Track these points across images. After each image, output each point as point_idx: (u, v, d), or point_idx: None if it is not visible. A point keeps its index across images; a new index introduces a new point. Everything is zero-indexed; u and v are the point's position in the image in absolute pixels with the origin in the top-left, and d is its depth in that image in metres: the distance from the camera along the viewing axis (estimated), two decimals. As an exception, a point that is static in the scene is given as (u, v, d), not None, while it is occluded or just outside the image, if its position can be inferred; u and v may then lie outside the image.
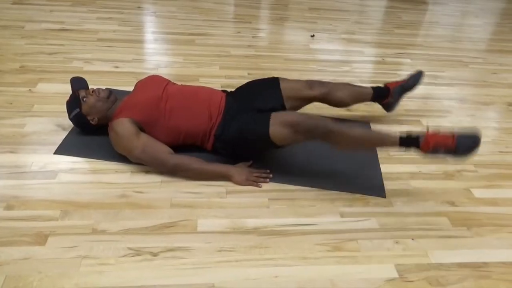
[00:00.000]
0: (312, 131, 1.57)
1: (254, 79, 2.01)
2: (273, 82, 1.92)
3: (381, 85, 2.14)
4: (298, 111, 1.94)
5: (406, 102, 2.50)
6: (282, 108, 1.89)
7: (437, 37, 3.79)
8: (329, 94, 1.96)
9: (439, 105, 2.52)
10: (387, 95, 2.12)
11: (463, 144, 1.45)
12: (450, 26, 4.21)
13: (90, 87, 1.87)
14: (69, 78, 2.35)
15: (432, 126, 1.52)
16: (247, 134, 1.67)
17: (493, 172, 1.94)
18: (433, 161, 1.97)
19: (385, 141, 1.58)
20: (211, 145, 1.77)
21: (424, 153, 1.53)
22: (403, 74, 2.92)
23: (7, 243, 1.33)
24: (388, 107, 2.18)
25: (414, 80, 2.13)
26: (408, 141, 1.55)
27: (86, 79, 2.01)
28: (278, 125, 1.60)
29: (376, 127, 2.19)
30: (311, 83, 1.95)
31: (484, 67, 3.19)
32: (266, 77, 2.01)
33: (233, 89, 2.04)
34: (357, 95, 2.06)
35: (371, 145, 1.63)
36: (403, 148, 1.56)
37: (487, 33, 4.13)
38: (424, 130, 1.56)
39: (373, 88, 2.10)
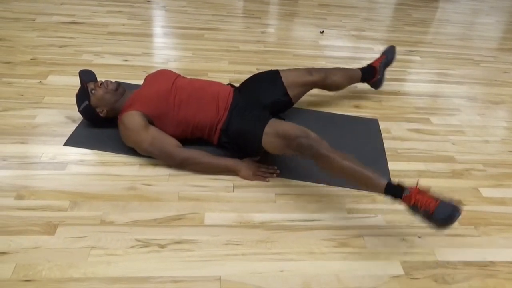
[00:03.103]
0: (302, 150, 1.50)
1: (256, 73, 2.07)
2: (274, 74, 2.01)
3: (365, 65, 2.34)
4: (301, 98, 2.11)
5: (416, 100, 2.49)
6: (286, 97, 1.98)
7: (447, 35, 3.75)
8: (326, 78, 2.11)
9: (448, 103, 2.50)
10: (374, 74, 2.31)
11: (441, 212, 1.29)
12: (461, 24, 4.16)
13: (98, 79, 1.88)
14: (78, 71, 2.37)
15: (424, 186, 1.38)
16: (244, 133, 1.69)
17: (501, 171, 1.92)
18: (441, 159, 1.96)
19: (372, 183, 1.44)
20: (217, 139, 1.78)
21: (406, 206, 1.37)
22: (413, 71, 2.90)
23: (17, 232, 1.35)
24: (377, 84, 2.36)
25: (391, 54, 2.38)
26: (393, 190, 1.40)
27: (95, 72, 2.03)
28: (271, 135, 1.58)
29: (384, 124, 2.18)
30: (309, 70, 2.09)
31: (495, 65, 3.15)
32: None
33: (244, 83, 2.04)
34: (349, 77, 2.24)
35: (355, 182, 1.48)
36: (387, 196, 1.42)
37: (499, 31, 4.09)
38: (414, 185, 1.41)
39: (360, 69, 2.28)
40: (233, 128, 1.72)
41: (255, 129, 1.64)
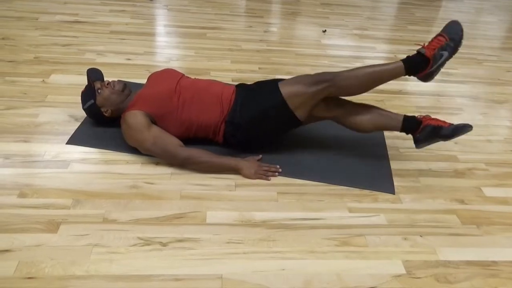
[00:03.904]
0: (324, 78, 1.65)
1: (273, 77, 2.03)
2: None
3: (416, 114, 1.81)
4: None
5: (418, 99, 2.49)
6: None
7: (450, 34, 3.74)
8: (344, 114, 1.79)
9: (451, 102, 2.49)
10: (416, 129, 1.72)
11: (452, 32, 1.61)
12: (464, 23, 4.13)
13: (105, 79, 1.89)
14: (82, 70, 2.39)
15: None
16: (266, 111, 1.70)
17: (504, 170, 1.92)
18: (443, 158, 1.95)
19: (391, 68, 1.65)
20: (222, 136, 1.78)
21: (430, 64, 1.62)
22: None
23: (20, 230, 1.36)
24: (415, 142, 1.76)
25: (454, 131, 1.65)
26: (412, 60, 1.63)
27: (98, 70, 2.04)
28: (288, 85, 1.68)
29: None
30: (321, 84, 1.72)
31: (498, 65, 3.14)
32: (277, 74, 2.04)
33: (246, 83, 2.02)
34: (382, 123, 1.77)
35: (379, 79, 1.68)
36: (411, 70, 1.64)
37: (502, 30, 4.07)
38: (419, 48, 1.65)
39: (404, 117, 1.75)
40: (247, 114, 1.71)
41: (269, 96, 1.70)
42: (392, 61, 1.67)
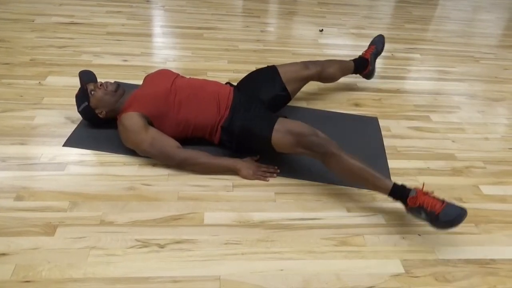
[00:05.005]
0: (314, 147, 1.55)
1: (253, 70, 2.09)
2: (272, 70, 2.02)
3: (357, 57, 2.35)
4: (300, 95, 2.16)
5: (416, 98, 2.48)
6: (285, 92, 1.99)
7: (447, 32, 3.74)
8: (322, 71, 2.14)
9: (449, 101, 2.49)
10: (367, 65, 2.31)
11: (448, 214, 1.35)
12: (461, 21, 4.15)
13: (98, 80, 1.88)
14: (78, 72, 2.37)
15: (428, 188, 1.46)
16: (249, 131, 1.68)
17: (502, 168, 1.92)
18: (441, 157, 1.95)
19: (378, 184, 1.49)
20: (218, 138, 1.78)
21: (408, 209, 1.45)
22: (413, 69, 2.89)
23: (17, 233, 1.35)
24: (369, 75, 2.37)
25: (381, 43, 2.39)
26: (399, 191, 1.46)
27: (95, 72, 2.02)
28: (282, 132, 1.60)
29: (383, 122, 2.18)
30: (306, 64, 2.11)
31: (496, 62, 3.15)
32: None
33: (243, 83, 2.04)
34: (343, 69, 2.26)
35: (362, 182, 1.53)
36: (391, 197, 1.48)
37: (499, 28, 4.08)
38: (419, 186, 1.47)
39: (353, 60, 2.30)
40: (236, 125, 1.71)
41: (262, 127, 1.65)
42: (383, 178, 1.49)
